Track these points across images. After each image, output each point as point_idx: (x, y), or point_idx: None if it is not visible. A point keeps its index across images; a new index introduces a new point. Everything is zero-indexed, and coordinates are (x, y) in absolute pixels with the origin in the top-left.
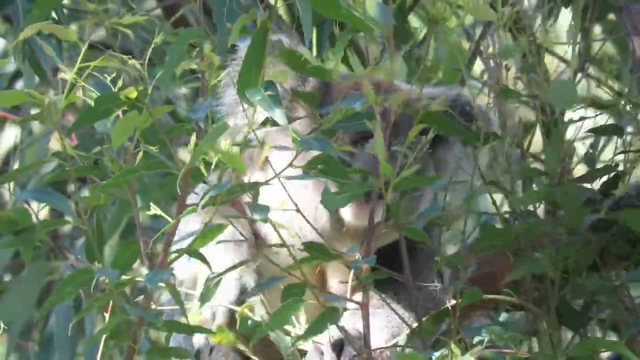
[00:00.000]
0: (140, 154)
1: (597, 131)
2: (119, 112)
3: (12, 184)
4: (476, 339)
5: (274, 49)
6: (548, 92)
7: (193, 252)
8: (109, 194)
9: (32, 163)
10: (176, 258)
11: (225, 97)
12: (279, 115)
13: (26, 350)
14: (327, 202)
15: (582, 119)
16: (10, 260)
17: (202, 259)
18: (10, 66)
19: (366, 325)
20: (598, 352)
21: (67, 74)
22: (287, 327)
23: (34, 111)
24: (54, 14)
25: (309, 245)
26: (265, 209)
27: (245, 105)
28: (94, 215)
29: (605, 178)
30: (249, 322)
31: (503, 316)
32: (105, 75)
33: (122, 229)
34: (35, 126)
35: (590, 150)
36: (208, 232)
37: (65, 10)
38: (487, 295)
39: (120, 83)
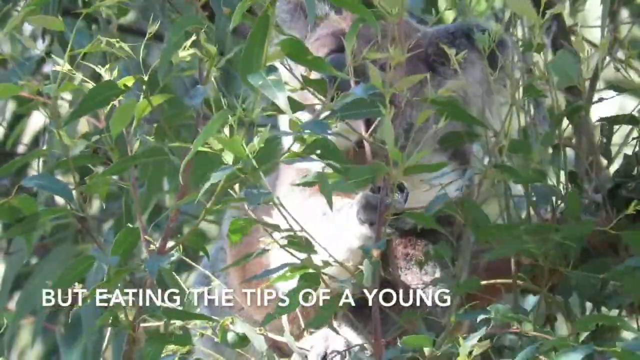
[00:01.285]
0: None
1: (610, 120)
2: None
3: (41, 166)
4: (480, 317)
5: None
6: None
7: (192, 239)
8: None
9: (49, 146)
10: (176, 245)
11: None
12: (282, 100)
13: (53, 334)
14: (325, 188)
15: (600, 100)
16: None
17: (203, 248)
18: (39, 48)
19: (376, 318)
20: (617, 332)
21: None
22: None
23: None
24: None
25: (289, 241)
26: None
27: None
28: (122, 198)
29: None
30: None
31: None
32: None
33: (150, 211)
34: (63, 109)
35: (604, 140)
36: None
37: None
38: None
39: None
